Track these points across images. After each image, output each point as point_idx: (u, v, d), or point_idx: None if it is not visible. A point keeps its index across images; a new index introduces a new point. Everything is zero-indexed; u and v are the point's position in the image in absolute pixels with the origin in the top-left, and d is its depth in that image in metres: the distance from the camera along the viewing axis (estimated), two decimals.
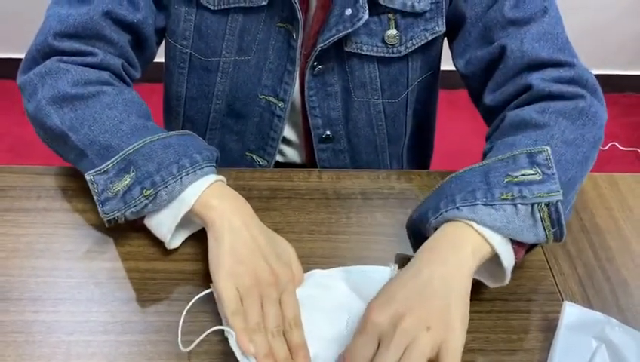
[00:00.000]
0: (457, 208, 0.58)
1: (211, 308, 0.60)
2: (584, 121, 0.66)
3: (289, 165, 0.91)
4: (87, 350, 0.58)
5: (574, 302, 0.61)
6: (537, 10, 0.70)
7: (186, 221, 0.64)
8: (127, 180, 0.61)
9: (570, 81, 0.68)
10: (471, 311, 0.57)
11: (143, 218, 0.64)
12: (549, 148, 0.59)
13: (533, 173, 0.58)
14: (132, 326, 0.60)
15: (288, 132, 0.88)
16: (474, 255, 0.56)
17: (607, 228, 0.74)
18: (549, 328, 0.61)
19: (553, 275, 0.68)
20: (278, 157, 0.90)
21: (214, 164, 0.66)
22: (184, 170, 0.61)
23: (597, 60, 2.08)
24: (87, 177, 0.62)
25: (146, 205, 0.61)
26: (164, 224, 0.63)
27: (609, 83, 2.14)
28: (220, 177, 0.65)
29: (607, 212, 0.76)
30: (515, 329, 0.62)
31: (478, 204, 0.57)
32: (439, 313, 0.52)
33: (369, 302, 0.55)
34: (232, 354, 0.55)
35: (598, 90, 0.70)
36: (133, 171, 0.61)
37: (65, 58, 0.69)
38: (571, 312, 0.60)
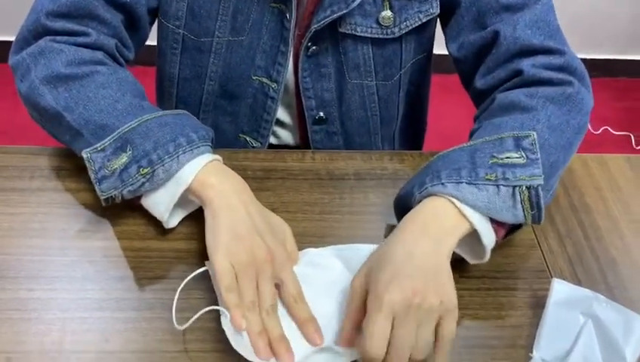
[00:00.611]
0: (442, 184, 0.59)
1: (206, 285, 0.61)
2: (570, 107, 0.67)
3: (283, 147, 0.92)
4: (82, 326, 0.58)
5: (563, 280, 0.62)
6: None
7: (183, 200, 0.64)
8: (124, 158, 0.61)
9: (560, 68, 0.70)
10: (460, 289, 0.58)
11: (140, 197, 0.64)
12: (535, 134, 0.61)
13: (517, 156, 0.60)
14: (127, 303, 0.60)
15: (282, 114, 0.88)
16: (454, 231, 0.58)
17: (596, 208, 0.75)
18: (538, 305, 0.62)
19: (543, 253, 0.69)
20: (272, 140, 0.91)
21: (210, 143, 0.66)
22: (181, 149, 0.62)
23: (590, 45, 2.08)
24: (84, 155, 0.62)
25: (143, 184, 0.62)
26: (162, 203, 0.63)
27: (602, 67, 2.15)
28: (217, 156, 0.65)
29: (597, 192, 0.77)
30: (504, 306, 0.63)
31: (462, 182, 0.59)
32: (441, 289, 0.54)
33: (370, 277, 0.55)
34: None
35: (586, 77, 0.72)
36: (130, 150, 0.61)
37: (58, 38, 0.69)
38: (560, 289, 0.61)
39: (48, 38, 0.69)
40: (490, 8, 0.72)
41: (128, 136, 0.62)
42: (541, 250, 0.69)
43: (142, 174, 0.61)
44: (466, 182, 0.59)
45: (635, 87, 2.20)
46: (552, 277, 0.65)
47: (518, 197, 0.59)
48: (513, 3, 0.71)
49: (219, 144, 0.87)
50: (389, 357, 0.52)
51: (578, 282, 0.66)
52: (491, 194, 0.59)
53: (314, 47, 0.78)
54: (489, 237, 0.60)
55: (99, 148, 0.62)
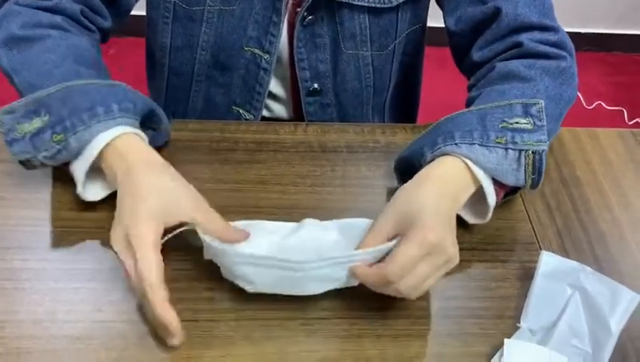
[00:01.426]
0: (456, 144, 0.62)
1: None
2: (563, 79, 0.70)
3: (276, 120, 0.91)
4: (76, 296, 0.59)
5: (552, 252, 0.62)
6: None
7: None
8: (37, 123, 0.59)
9: (554, 44, 0.73)
10: None
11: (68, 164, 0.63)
12: (542, 102, 0.63)
13: (526, 122, 0.63)
14: (119, 273, 0.60)
15: (275, 86, 0.87)
16: (466, 190, 0.62)
17: (586, 181, 0.75)
18: (527, 276, 0.63)
19: (532, 226, 0.69)
20: (265, 113, 0.90)
21: (135, 118, 0.63)
22: (95, 118, 0.59)
23: (584, 19, 2.07)
24: None
25: (59, 151, 0.60)
26: (77, 171, 0.62)
27: (596, 42, 2.15)
28: (135, 130, 0.62)
29: (587, 165, 0.77)
30: (493, 278, 0.64)
31: (475, 144, 0.62)
32: (456, 245, 0.57)
33: (405, 215, 0.57)
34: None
35: (574, 53, 0.75)
36: (45, 115, 0.59)
37: (20, 1, 0.69)
38: (548, 261, 0.61)
39: (12, 1, 0.69)
40: None
41: (45, 100, 0.60)
42: (531, 223, 0.70)
43: (55, 141, 0.59)
44: (478, 144, 0.62)
45: (628, 61, 2.20)
46: (540, 249, 0.66)
47: (522, 161, 0.62)
48: None
49: (212, 116, 0.87)
50: (398, 286, 0.55)
51: (566, 254, 0.67)
52: (500, 156, 0.62)
53: (310, 17, 0.77)
54: (493, 197, 0.63)
55: (8, 110, 0.60)
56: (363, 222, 0.62)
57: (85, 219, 0.65)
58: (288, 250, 0.60)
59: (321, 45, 0.80)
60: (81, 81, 0.62)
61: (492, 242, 0.67)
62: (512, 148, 0.62)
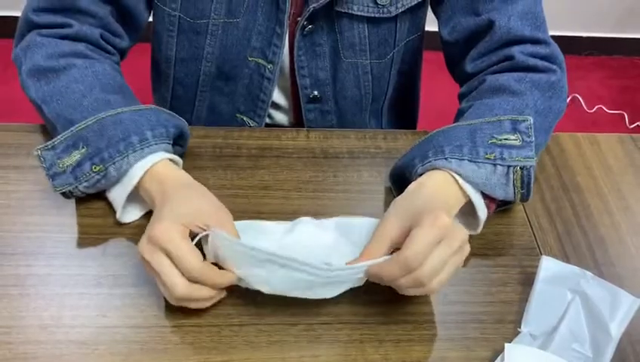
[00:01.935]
0: (446, 159, 0.63)
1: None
2: (552, 93, 0.72)
3: (277, 127, 0.92)
4: (81, 302, 0.59)
5: (552, 257, 0.63)
6: None
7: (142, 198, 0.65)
8: (76, 156, 0.62)
9: (545, 57, 0.74)
10: None
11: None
12: (531, 119, 0.65)
13: (514, 138, 0.64)
14: (124, 279, 0.61)
15: (276, 94, 0.88)
16: (455, 204, 0.63)
17: (586, 187, 0.76)
18: (527, 281, 0.64)
19: (533, 231, 0.70)
20: (266, 120, 0.91)
21: (168, 141, 0.66)
22: (131, 148, 0.62)
23: (585, 23, 2.08)
24: (35, 152, 0.62)
25: (98, 180, 0.63)
26: (116, 199, 0.64)
27: (597, 45, 2.15)
28: (170, 155, 0.65)
29: (587, 170, 0.78)
30: (494, 283, 0.65)
31: (464, 160, 0.63)
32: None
33: (410, 214, 0.58)
34: None
35: (564, 66, 0.76)
36: (83, 147, 0.62)
37: (43, 31, 0.71)
38: (548, 266, 0.62)
39: (35, 32, 0.71)
40: None
41: (82, 133, 0.63)
42: (531, 228, 0.70)
43: (95, 171, 0.62)
44: (468, 160, 0.63)
45: (629, 65, 2.20)
46: (541, 254, 0.67)
47: (511, 176, 0.64)
48: None
49: (216, 124, 0.88)
50: (421, 272, 0.54)
51: (567, 259, 0.67)
52: (489, 172, 0.63)
53: (310, 26, 0.78)
54: (483, 211, 0.64)
55: (49, 146, 0.62)
56: (360, 221, 0.63)
57: (90, 226, 0.66)
58: (288, 250, 0.60)
59: (321, 54, 0.81)
60: (112, 111, 0.64)
61: (493, 247, 0.67)
62: (500, 164, 0.63)
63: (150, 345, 0.57)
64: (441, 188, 0.63)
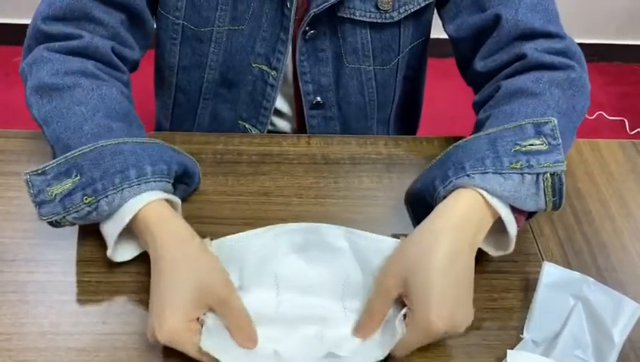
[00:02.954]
0: (468, 176, 0.58)
1: None
2: (574, 91, 0.68)
3: (279, 134, 0.92)
4: (81, 309, 0.59)
5: (554, 263, 0.63)
6: None
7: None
8: (67, 184, 0.57)
9: (561, 53, 0.70)
10: None
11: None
12: (555, 120, 0.60)
13: (540, 143, 0.59)
14: (124, 286, 0.61)
15: (279, 102, 0.88)
16: (483, 225, 0.58)
17: (588, 193, 0.75)
18: (529, 287, 0.63)
19: (534, 237, 0.70)
20: (269, 128, 0.91)
21: (167, 180, 0.61)
22: (127, 182, 0.58)
23: (585, 29, 2.08)
24: (24, 177, 0.57)
25: (89, 213, 0.58)
26: (108, 236, 0.59)
27: (597, 52, 2.16)
28: (167, 195, 0.60)
29: (589, 176, 0.78)
30: (496, 289, 0.64)
31: (488, 172, 0.58)
32: (469, 314, 0.56)
33: (408, 282, 0.55)
34: None
35: (583, 61, 0.72)
36: (77, 176, 0.57)
37: (51, 45, 0.68)
38: (550, 272, 0.62)
39: (42, 46, 0.68)
40: None
41: (78, 161, 0.58)
42: (533, 234, 0.70)
43: (86, 203, 0.57)
44: (492, 172, 0.58)
45: (629, 71, 2.21)
46: (543, 260, 0.66)
47: (541, 185, 0.59)
48: None
49: (218, 130, 0.88)
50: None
51: (569, 265, 0.67)
52: (517, 183, 0.58)
53: (312, 32, 0.78)
54: (514, 226, 0.59)
55: (39, 172, 0.57)
56: (387, 242, 0.61)
57: (90, 233, 0.65)
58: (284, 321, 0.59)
59: (324, 59, 0.81)
60: (114, 140, 0.60)
61: None
62: (528, 173, 0.58)
63: (150, 352, 0.57)
64: (466, 216, 0.57)
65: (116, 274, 0.62)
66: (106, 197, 0.57)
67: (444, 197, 0.59)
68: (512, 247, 0.60)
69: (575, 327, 0.59)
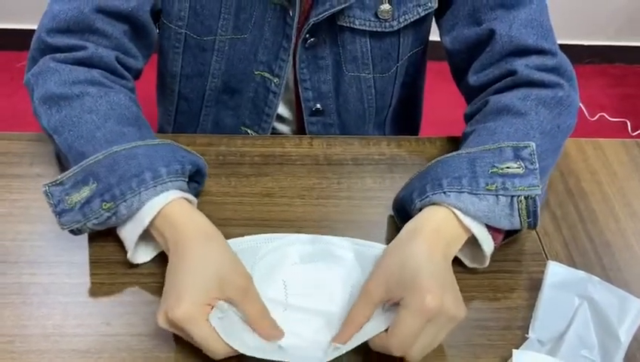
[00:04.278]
0: (444, 193, 0.60)
1: None
2: (560, 110, 0.69)
3: None
4: (84, 310, 0.59)
5: (559, 262, 0.62)
6: None
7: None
8: (85, 192, 0.58)
9: (552, 70, 0.71)
10: (458, 271, 0.59)
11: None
12: (533, 145, 0.61)
13: (517, 166, 0.61)
14: (127, 287, 0.61)
15: (280, 108, 0.88)
16: (456, 241, 0.60)
17: (591, 192, 0.75)
18: (534, 287, 0.63)
19: (538, 237, 0.70)
20: (271, 133, 0.91)
21: (183, 179, 0.62)
22: (143, 185, 0.59)
23: (586, 31, 2.09)
24: (42, 188, 0.58)
25: (109, 218, 0.59)
26: (127, 239, 0.60)
27: (598, 54, 2.16)
28: (184, 194, 0.61)
29: (592, 176, 0.77)
30: (500, 289, 0.64)
31: (464, 192, 0.60)
32: (459, 303, 0.56)
33: (392, 285, 0.55)
34: None
35: (574, 78, 0.73)
36: (94, 183, 0.58)
37: (57, 56, 0.68)
38: (555, 271, 0.61)
39: (48, 56, 0.68)
40: (486, 4, 0.73)
41: (93, 168, 0.59)
42: (537, 234, 0.70)
43: (105, 209, 0.58)
44: (467, 192, 0.60)
45: (631, 73, 2.21)
46: (547, 259, 0.66)
47: (515, 206, 0.60)
48: (507, 1, 0.72)
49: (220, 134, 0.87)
50: (405, 356, 0.54)
51: (573, 264, 0.67)
52: (491, 203, 0.60)
53: (312, 40, 0.78)
54: (488, 244, 0.61)
55: (57, 182, 0.59)
56: (379, 248, 0.62)
57: (93, 234, 0.65)
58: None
59: (324, 67, 0.81)
60: (127, 145, 0.60)
61: (499, 253, 0.67)
62: (502, 195, 0.60)
63: (153, 353, 0.56)
64: (440, 228, 0.59)
65: (119, 276, 0.62)
66: (125, 201, 0.58)
67: (420, 210, 0.61)
68: (486, 262, 0.62)
69: (581, 327, 0.59)
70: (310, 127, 0.87)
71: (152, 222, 0.59)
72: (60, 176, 0.59)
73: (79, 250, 0.64)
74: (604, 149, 0.81)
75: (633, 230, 0.71)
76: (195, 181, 0.67)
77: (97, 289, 0.61)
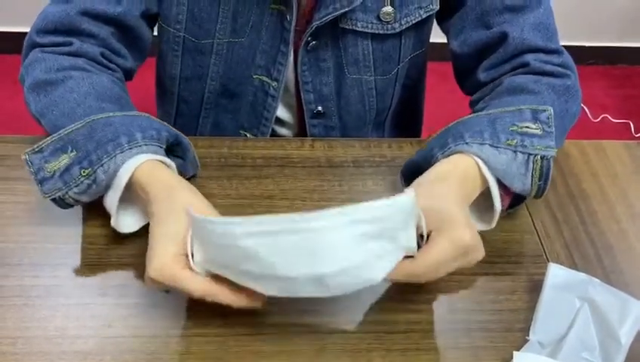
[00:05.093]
0: (467, 143, 0.63)
1: None
2: (568, 97, 0.72)
3: None
4: (86, 312, 0.59)
5: (560, 264, 0.62)
6: (531, 0, 0.75)
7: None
8: (65, 160, 0.60)
9: (559, 65, 0.75)
10: (459, 273, 0.59)
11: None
12: (551, 109, 0.64)
13: (535, 127, 0.64)
14: (129, 289, 0.61)
15: (281, 111, 0.88)
16: (475, 190, 0.63)
17: (592, 193, 0.75)
18: (535, 289, 0.63)
19: (539, 239, 0.70)
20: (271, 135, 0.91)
21: (159, 145, 0.63)
22: (119, 148, 0.60)
23: (589, 32, 2.08)
24: (22, 156, 0.60)
25: (89, 186, 0.60)
26: (109, 205, 0.61)
27: (601, 55, 2.15)
28: (160, 157, 0.62)
29: (593, 177, 0.77)
30: (501, 291, 0.64)
31: (485, 144, 0.63)
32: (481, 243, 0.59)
33: (454, 224, 0.56)
34: None
35: (576, 73, 0.77)
36: (72, 151, 0.60)
37: (45, 49, 0.72)
38: (556, 273, 0.61)
39: (37, 49, 0.72)
40: (495, 8, 0.76)
41: (71, 136, 0.61)
42: (538, 236, 0.70)
43: (84, 175, 0.60)
44: (489, 145, 0.62)
45: (634, 74, 2.20)
46: (548, 261, 0.66)
47: (530, 166, 0.63)
48: (516, 4, 0.75)
49: None
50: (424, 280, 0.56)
51: (575, 266, 0.67)
52: (509, 159, 0.62)
53: (314, 42, 0.78)
54: (499, 201, 0.63)
55: (36, 150, 0.60)
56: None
57: (95, 236, 0.66)
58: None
59: (325, 69, 0.81)
60: (104, 114, 0.62)
61: (500, 255, 0.67)
62: (521, 152, 0.62)
63: (156, 354, 0.57)
64: (464, 173, 0.62)
65: (121, 278, 0.62)
66: (102, 166, 0.60)
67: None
68: (494, 223, 0.64)
69: (581, 329, 0.59)
70: (311, 130, 0.87)
71: (129, 185, 0.60)
72: (38, 144, 0.60)
73: (81, 252, 0.64)
74: (606, 151, 0.81)
75: (634, 232, 0.71)
76: (179, 157, 0.68)
77: (99, 291, 0.61)
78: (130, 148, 0.60)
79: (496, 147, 0.62)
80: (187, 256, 0.55)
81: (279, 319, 0.60)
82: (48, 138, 0.61)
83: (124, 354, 0.56)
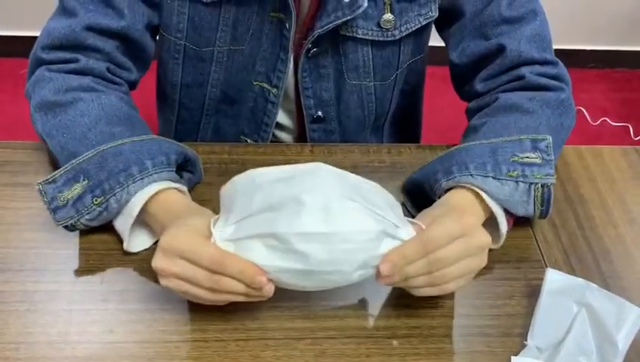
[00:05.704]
0: (471, 175, 0.65)
1: None
2: (562, 110, 0.74)
3: None
4: (87, 318, 0.60)
5: (558, 270, 0.63)
6: (527, 11, 0.77)
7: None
8: (77, 189, 0.62)
9: (554, 77, 0.76)
10: (459, 275, 0.59)
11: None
12: (550, 138, 0.67)
13: (535, 156, 0.66)
14: (131, 295, 0.62)
15: (281, 116, 0.89)
16: (480, 220, 0.65)
17: (590, 199, 0.76)
18: (533, 294, 0.64)
19: (538, 244, 0.70)
20: (271, 140, 0.92)
21: (169, 169, 0.65)
22: (131, 179, 0.62)
23: (588, 36, 2.09)
24: (36, 187, 0.62)
25: (100, 213, 0.62)
26: (121, 231, 0.64)
27: (601, 58, 2.16)
28: (172, 184, 0.64)
29: (591, 183, 0.78)
30: (499, 296, 0.65)
31: (489, 177, 0.65)
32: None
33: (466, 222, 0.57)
34: None
35: (570, 84, 0.78)
36: (84, 180, 0.62)
37: (51, 67, 0.72)
38: (553, 278, 0.62)
39: (43, 67, 0.72)
40: (492, 20, 0.77)
41: (83, 166, 0.63)
42: (536, 241, 0.70)
43: (96, 204, 0.62)
44: (492, 177, 0.65)
45: (633, 77, 2.21)
46: (546, 266, 0.67)
47: (532, 194, 0.65)
48: (513, 16, 0.77)
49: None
50: (434, 256, 0.56)
51: (572, 271, 0.67)
52: (511, 189, 0.65)
53: (315, 49, 0.79)
54: (505, 226, 0.66)
55: (49, 180, 0.62)
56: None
57: (97, 242, 0.66)
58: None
59: (325, 75, 0.82)
60: (114, 142, 0.64)
61: (498, 260, 0.67)
62: (522, 181, 0.65)
63: (157, 360, 0.57)
64: (468, 206, 0.64)
65: (123, 283, 0.63)
66: (114, 195, 0.62)
67: (445, 190, 0.66)
68: (500, 243, 0.66)
69: (579, 334, 0.59)
70: (311, 134, 0.88)
71: (145, 209, 0.62)
72: (51, 175, 0.62)
73: (84, 258, 0.65)
74: (604, 156, 0.81)
75: (632, 237, 0.72)
76: (188, 171, 0.70)
77: (101, 297, 0.61)
78: (142, 179, 0.62)
79: (499, 179, 0.65)
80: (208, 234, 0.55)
81: (279, 324, 0.60)
82: (61, 169, 0.63)
83: (124, 359, 0.57)
